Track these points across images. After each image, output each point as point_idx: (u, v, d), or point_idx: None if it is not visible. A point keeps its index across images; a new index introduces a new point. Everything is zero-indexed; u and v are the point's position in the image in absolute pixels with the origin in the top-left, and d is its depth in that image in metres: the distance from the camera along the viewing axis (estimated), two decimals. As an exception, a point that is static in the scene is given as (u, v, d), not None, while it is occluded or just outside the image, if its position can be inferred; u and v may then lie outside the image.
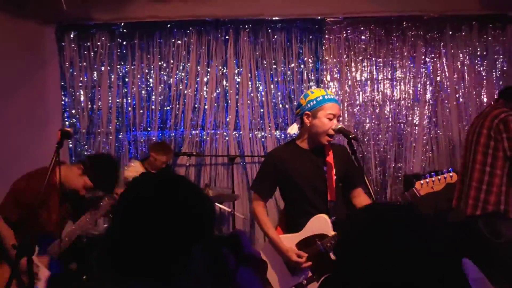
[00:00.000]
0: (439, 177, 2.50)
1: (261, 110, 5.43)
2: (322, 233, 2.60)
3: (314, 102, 2.64)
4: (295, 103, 5.40)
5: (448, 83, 5.41)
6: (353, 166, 2.67)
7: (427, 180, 2.51)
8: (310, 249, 2.61)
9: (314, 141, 2.67)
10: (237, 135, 5.45)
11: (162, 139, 5.34)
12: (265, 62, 5.40)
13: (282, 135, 5.43)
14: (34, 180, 2.77)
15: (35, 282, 2.56)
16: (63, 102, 5.39)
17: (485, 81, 5.37)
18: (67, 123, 5.34)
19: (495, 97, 3.80)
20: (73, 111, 5.39)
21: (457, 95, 5.40)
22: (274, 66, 5.40)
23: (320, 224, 2.62)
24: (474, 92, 5.38)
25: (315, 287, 2.60)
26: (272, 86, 5.41)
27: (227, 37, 5.40)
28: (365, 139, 5.37)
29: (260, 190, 2.82)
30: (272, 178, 2.76)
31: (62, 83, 5.39)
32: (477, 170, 3.42)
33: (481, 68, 5.38)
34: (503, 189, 3.33)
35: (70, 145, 5.34)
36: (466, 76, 5.39)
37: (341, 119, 2.66)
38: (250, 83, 5.41)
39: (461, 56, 5.39)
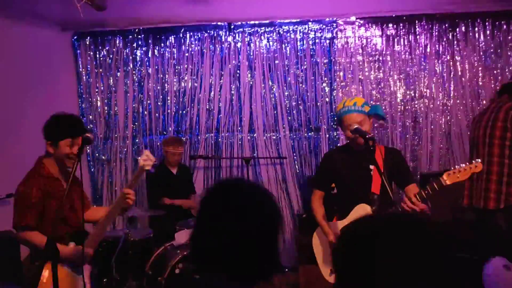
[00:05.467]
0: (465, 167, 2.65)
1: (275, 111, 5.46)
2: None
3: (338, 114, 2.98)
4: (308, 104, 5.43)
5: (462, 81, 5.38)
6: (403, 166, 3.03)
7: (454, 170, 2.67)
8: None
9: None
10: (251, 137, 5.49)
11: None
12: (277, 64, 5.43)
13: (296, 136, 5.45)
14: (31, 180, 2.78)
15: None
16: (80, 108, 5.49)
17: (499, 78, 5.33)
18: (84, 128, 5.43)
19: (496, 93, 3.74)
20: (90, 117, 5.49)
21: (471, 93, 5.37)
22: (287, 68, 5.43)
23: (360, 212, 2.95)
24: (488, 89, 5.33)
25: None
26: (285, 87, 5.44)
27: (239, 40, 5.45)
28: (379, 139, 5.37)
29: (315, 184, 3.26)
30: (325, 174, 3.19)
31: (79, 89, 5.49)
32: (495, 163, 3.38)
33: (495, 65, 5.35)
34: None
35: (88, 150, 5.43)
36: (480, 74, 5.36)
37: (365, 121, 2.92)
38: (263, 85, 5.45)
39: (474, 53, 5.36)
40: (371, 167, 2.94)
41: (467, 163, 2.67)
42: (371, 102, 5.36)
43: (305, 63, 5.43)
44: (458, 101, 5.39)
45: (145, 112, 5.49)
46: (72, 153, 2.80)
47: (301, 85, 5.44)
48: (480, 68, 5.36)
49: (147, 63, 5.47)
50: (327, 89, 5.43)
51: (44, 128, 2.85)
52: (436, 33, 5.38)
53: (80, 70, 5.47)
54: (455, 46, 5.37)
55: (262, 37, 5.45)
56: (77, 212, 2.88)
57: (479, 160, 2.68)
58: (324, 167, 3.20)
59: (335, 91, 5.42)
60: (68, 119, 2.86)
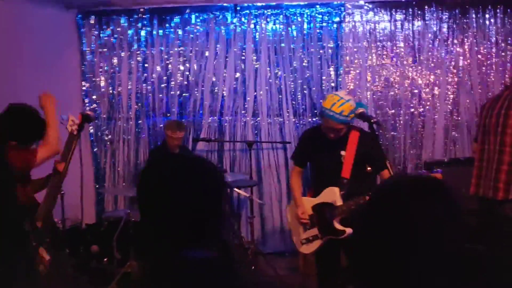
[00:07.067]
0: None
1: (279, 96, 5.41)
2: (330, 202, 3.17)
3: (322, 110, 3.06)
4: (313, 89, 5.38)
5: (471, 68, 5.30)
6: (377, 152, 3.04)
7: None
8: (320, 212, 3.23)
9: None
10: (255, 121, 5.45)
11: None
12: (283, 47, 5.36)
13: (300, 121, 5.40)
14: None
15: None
16: (83, 88, 5.45)
17: (509, 65, 5.25)
18: (87, 108, 5.40)
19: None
20: (94, 97, 5.45)
21: (479, 80, 5.30)
22: (293, 52, 5.36)
23: (331, 194, 3.17)
24: (497, 77, 5.26)
25: (319, 243, 3.24)
26: (290, 71, 5.38)
27: (245, 22, 5.38)
28: (384, 125, 5.30)
29: (295, 159, 3.53)
30: (302, 152, 3.41)
31: (83, 68, 5.45)
32: (507, 153, 3.30)
33: (506, 53, 5.26)
34: None
35: (91, 130, 5.41)
36: (490, 61, 5.28)
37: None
38: (268, 68, 5.39)
39: (484, 40, 5.27)
40: (342, 152, 3.15)
41: None
42: (376, 86, 5.31)
43: (312, 47, 5.36)
44: (466, 88, 5.31)
45: (149, 93, 5.45)
46: None
47: (306, 69, 5.37)
48: (489, 56, 5.28)
49: (152, 44, 5.42)
50: (333, 74, 5.36)
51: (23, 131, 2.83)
52: (446, 19, 5.28)
53: (84, 49, 5.42)
54: (464, 33, 5.28)
55: (269, 19, 5.37)
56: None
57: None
58: (301, 145, 3.45)
59: (341, 76, 5.36)
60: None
